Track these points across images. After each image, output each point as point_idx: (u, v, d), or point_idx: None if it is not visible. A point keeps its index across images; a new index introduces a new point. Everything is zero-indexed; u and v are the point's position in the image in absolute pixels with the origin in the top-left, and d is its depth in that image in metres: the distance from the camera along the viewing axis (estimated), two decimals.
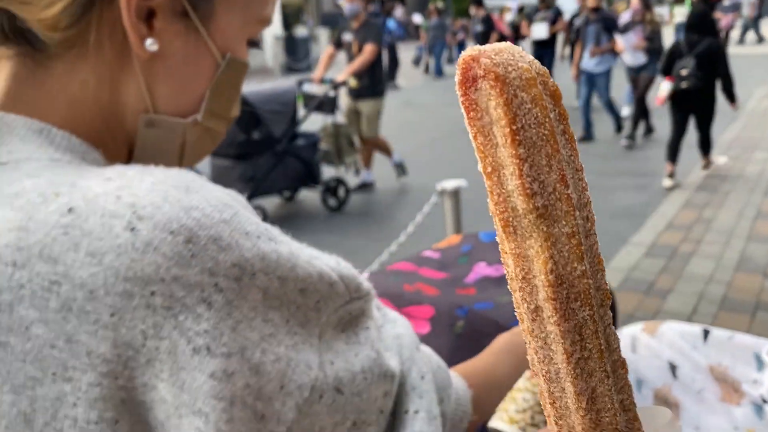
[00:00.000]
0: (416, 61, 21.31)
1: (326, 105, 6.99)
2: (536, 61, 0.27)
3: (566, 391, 0.28)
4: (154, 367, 0.57)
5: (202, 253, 0.57)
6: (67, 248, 0.57)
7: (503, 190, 0.27)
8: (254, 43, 0.82)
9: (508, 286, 0.28)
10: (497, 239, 0.28)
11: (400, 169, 7.73)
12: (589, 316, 0.27)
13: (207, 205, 0.59)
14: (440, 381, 0.84)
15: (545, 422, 1.18)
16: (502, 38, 12.38)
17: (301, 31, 22.46)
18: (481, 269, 1.82)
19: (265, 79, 16.49)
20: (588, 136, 9.63)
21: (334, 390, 0.63)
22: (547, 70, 0.27)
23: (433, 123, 11.98)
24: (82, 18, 0.66)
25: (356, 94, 7.21)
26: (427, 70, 19.58)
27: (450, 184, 3.36)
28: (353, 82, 7.09)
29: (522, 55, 0.27)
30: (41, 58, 0.69)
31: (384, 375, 0.69)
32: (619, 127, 9.69)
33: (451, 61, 20.00)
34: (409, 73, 20.10)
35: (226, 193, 0.63)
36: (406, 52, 23.13)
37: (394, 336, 0.78)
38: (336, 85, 6.87)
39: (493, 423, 1.21)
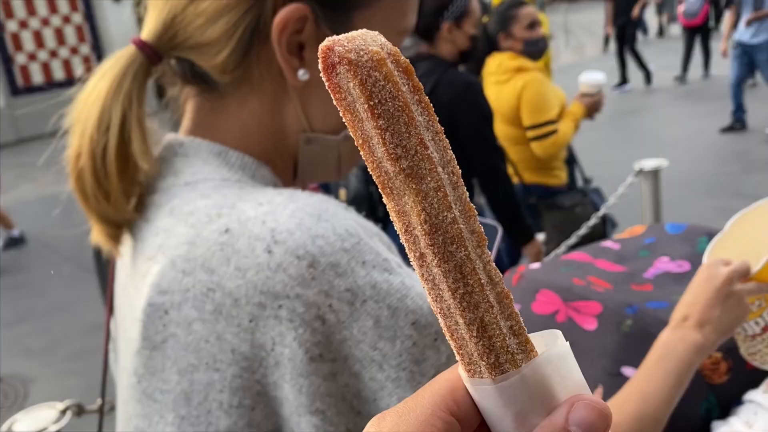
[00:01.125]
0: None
1: None
2: (388, 42, 0.32)
3: (459, 324, 0.32)
4: (280, 369, 0.66)
5: (321, 277, 0.65)
6: (221, 262, 0.68)
7: (375, 158, 0.32)
8: None
9: (401, 240, 0.33)
10: (384, 200, 0.32)
11: None
12: (466, 256, 0.31)
13: (332, 233, 0.67)
14: None
15: None
16: None
17: None
18: (663, 264, 1.69)
19: None
20: (738, 123, 7.45)
21: None
22: (398, 50, 0.31)
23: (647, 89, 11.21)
24: (243, 61, 0.79)
25: None
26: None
27: (649, 163, 2.97)
28: None
29: (374, 39, 0.32)
30: (217, 95, 0.82)
31: None
32: None
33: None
34: None
35: (357, 221, 0.71)
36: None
37: None
38: None
39: None
